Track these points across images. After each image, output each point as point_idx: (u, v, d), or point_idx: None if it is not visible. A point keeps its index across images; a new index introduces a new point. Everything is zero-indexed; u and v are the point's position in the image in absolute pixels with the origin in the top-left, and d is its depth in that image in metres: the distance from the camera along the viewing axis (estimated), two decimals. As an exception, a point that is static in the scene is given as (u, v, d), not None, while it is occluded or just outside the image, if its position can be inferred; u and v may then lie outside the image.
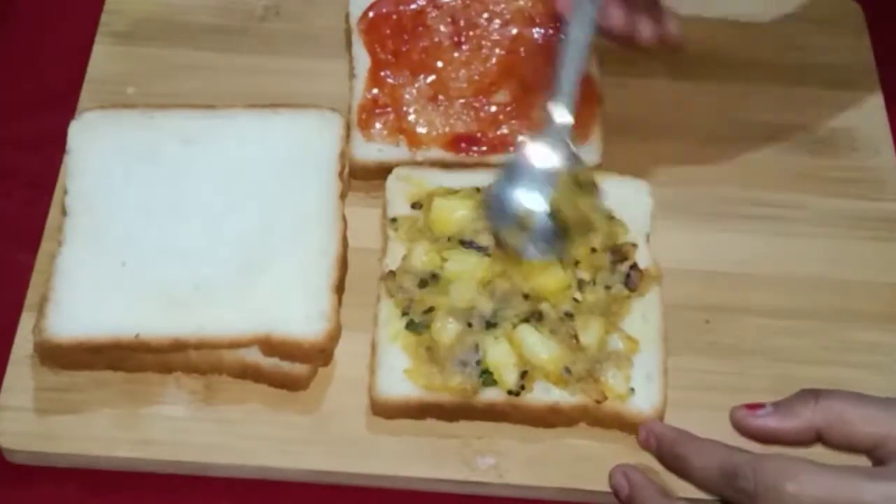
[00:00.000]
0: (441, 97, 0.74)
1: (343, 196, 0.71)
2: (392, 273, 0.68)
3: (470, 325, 0.66)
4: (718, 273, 0.71)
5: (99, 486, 0.65)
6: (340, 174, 0.71)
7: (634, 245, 0.69)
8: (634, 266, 0.68)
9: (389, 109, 0.74)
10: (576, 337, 0.65)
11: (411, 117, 0.74)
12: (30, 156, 0.76)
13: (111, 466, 0.65)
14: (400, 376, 0.65)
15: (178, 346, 0.65)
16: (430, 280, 0.67)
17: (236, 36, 0.81)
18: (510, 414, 0.65)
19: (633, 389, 0.65)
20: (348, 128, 0.73)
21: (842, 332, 0.70)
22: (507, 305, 0.66)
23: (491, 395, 0.65)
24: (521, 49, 0.76)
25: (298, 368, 0.66)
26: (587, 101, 0.72)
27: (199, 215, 0.69)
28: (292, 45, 0.81)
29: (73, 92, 0.77)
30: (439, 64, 0.76)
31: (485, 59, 0.76)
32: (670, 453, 0.61)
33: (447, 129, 0.74)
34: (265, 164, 0.71)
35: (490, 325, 0.66)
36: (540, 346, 0.65)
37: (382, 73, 0.75)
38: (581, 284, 0.67)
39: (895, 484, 0.56)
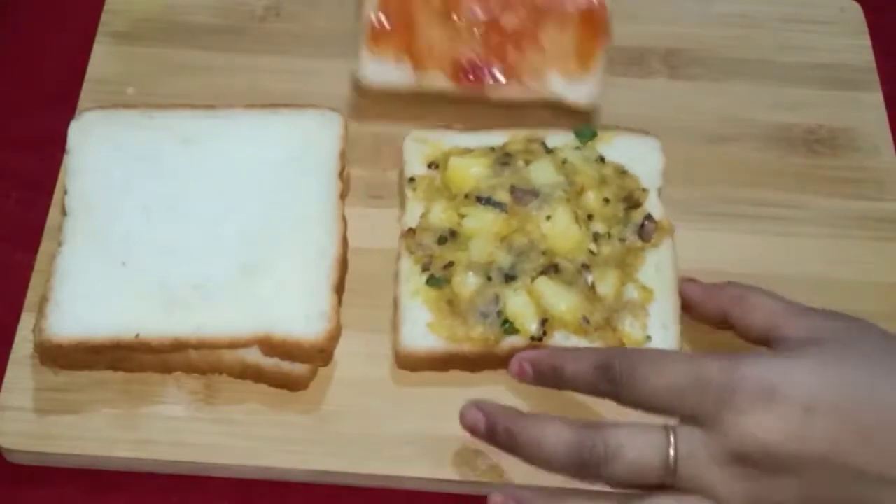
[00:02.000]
0: (454, 16, 0.74)
1: (343, 196, 0.71)
2: (412, 231, 0.70)
3: (489, 278, 0.67)
4: (718, 273, 0.70)
5: (99, 486, 0.65)
6: (340, 174, 0.71)
7: (645, 190, 0.71)
8: (649, 217, 0.70)
9: (397, 29, 0.74)
10: (593, 288, 0.67)
11: (419, 39, 0.74)
12: (30, 156, 0.76)
13: (111, 466, 0.65)
14: (423, 330, 0.67)
15: (178, 346, 0.65)
16: (448, 237, 0.69)
17: (236, 36, 0.81)
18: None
19: (649, 337, 0.67)
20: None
21: (842, 332, 0.70)
22: (524, 259, 0.68)
23: (513, 342, 0.66)
24: None
25: (298, 368, 0.66)
26: (594, 31, 0.72)
27: (199, 215, 0.69)
28: (292, 45, 0.81)
29: (73, 92, 0.77)
30: None
31: None
32: (548, 367, 0.63)
33: (454, 54, 0.74)
34: (265, 164, 0.71)
35: (509, 278, 0.67)
36: (558, 297, 0.66)
37: None
38: (596, 237, 0.69)
39: (741, 364, 0.58)
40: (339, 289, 0.67)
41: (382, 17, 0.74)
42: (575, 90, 0.75)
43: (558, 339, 0.66)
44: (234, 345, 0.65)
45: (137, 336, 0.64)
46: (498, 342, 0.66)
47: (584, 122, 0.74)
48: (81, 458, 0.65)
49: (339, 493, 0.65)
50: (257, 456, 0.65)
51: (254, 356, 0.66)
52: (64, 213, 0.69)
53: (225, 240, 0.68)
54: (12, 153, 0.77)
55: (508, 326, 0.66)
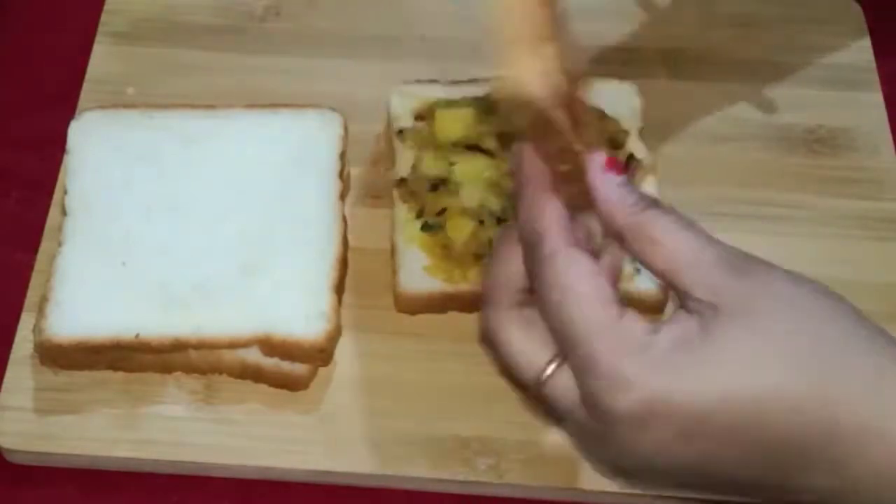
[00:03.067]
0: None
1: (343, 196, 0.71)
2: (404, 180, 0.71)
3: (482, 222, 0.69)
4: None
5: (99, 486, 0.65)
6: (340, 174, 0.71)
7: (626, 131, 0.73)
8: (631, 156, 0.72)
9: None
10: None
11: None
12: (30, 156, 0.76)
13: (111, 466, 0.65)
14: (420, 273, 0.68)
15: (178, 346, 0.65)
16: (440, 184, 0.71)
17: (236, 36, 0.81)
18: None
19: (638, 269, 0.68)
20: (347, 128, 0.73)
21: (842, 332, 0.70)
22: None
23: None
24: None
25: (298, 368, 0.66)
26: None
27: (199, 215, 0.69)
28: (292, 45, 0.81)
29: (73, 92, 0.77)
30: None
31: None
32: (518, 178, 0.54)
33: None
34: (265, 164, 0.71)
35: (500, 220, 0.69)
36: None
37: None
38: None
39: (624, 368, 0.49)
40: (339, 289, 0.67)
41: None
42: None
43: None
44: (234, 345, 0.65)
45: (137, 336, 0.64)
46: None
47: None
48: (81, 458, 0.65)
49: (339, 493, 0.65)
50: (257, 456, 0.65)
51: (254, 356, 0.66)
52: (64, 213, 0.69)
53: (225, 240, 0.68)
54: (12, 153, 0.77)
55: None
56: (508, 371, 0.54)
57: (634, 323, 0.51)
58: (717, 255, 0.52)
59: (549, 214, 0.52)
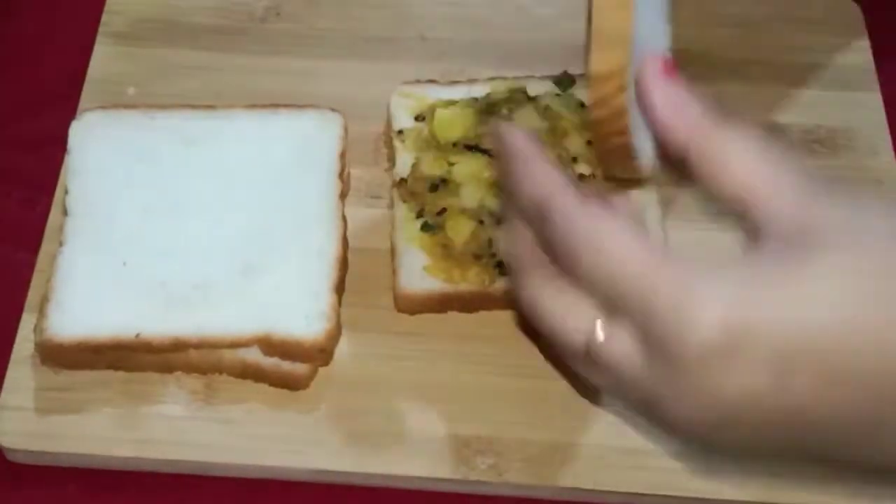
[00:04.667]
0: None
1: (343, 196, 0.71)
2: (404, 180, 0.72)
3: (481, 222, 0.69)
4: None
5: (99, 486, 0.65)
6: (340, 174, 0.71)
7: None
8: None
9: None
10: None
11: None
12: (30, 156, 0.77)
13: (111, 466, 0.65)
14: (420, 273, 0.68)
15: (179, 346, 0.65)
16: (440, 184, 0.71)
17: (236, 36, 0.81)
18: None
19: None
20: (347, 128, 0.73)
21: (841, 331, 0.70)
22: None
23: (507, 283, 0.67)
24: None
25: (299, 368, 0.66)
26: None
27: (199, 215, 0.69)
28: (292, 45, 0.81)
29: (74, 92, 0.77)
30: None
31: None
32: (503, 158, 0.50)
33: None
34: (265, 164, 0.71)
35: (500, 221, 0.68)
36: None
37: None
38: (581, 178, 0.71)
39: (695, 290, 0.42)
40: (339, 289, 0.68)
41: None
42: None
43: None
44: (234, 345, 0.65)
45: (138, 336, 0.64)
46: (493, 282, 0.68)
47: (562, 72, 0.76)
48: (82, 458, 0.65)
49: (339, 493, 0.65)
50: (257, 456, 0.65)
51: (254, 356, 0.66)
52: (65, 213, 0.69)
53: (225, 240, 0.68)
54: (13, 153, 0.77)
55: (502, 268, 0.68)
56: (556, 353, 0.48)
57: (687, 261, 0.43)
58: (798, 182, 0.44)
59: (547, 178, 0.47)
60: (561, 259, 0.46)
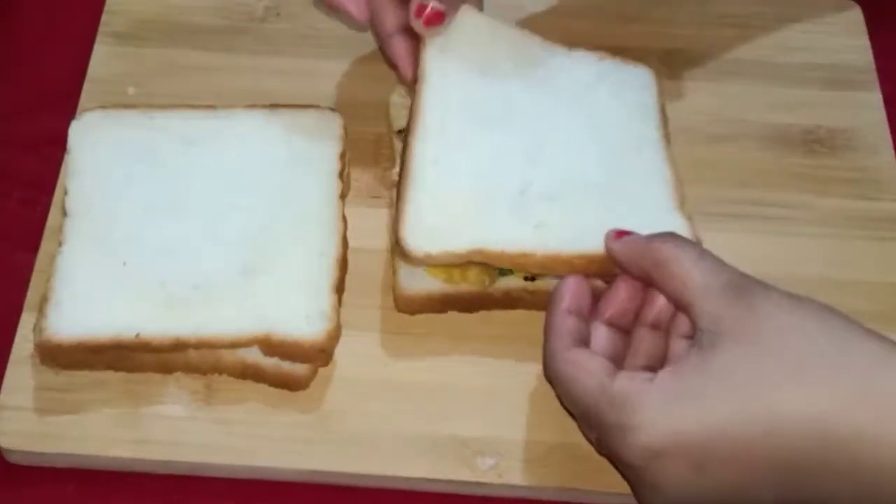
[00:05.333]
0: None
1: (343, 196, 0.71)
2: None
3: None
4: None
5: (99, 486, 0.65)
6: (340, 174, 0.71)
7: None
8: None
9: None
10: None
11: None
12: (30, 156, 0.77)
13: (111, 466, 0.65)
14: (420, 273, 0.68)
15: (179, 346, 0.65)
16: None
17: (236, 36, 0.81)
18: (525, 300, 0.69)
19: None
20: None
21: (841, 331, 0.70)
22: None
23: (507, 283, 0.68)
24: None
25: (298, 368, 0.66)
26: None
27: (199, 215, 0.69)
28: (292, 45, 0.81)
29: (73, 92, 0.78)
30: None
31: None
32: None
33: None
34: (265, 164, 0.71)
35: None
36: None
37: None
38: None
39: (637, 409, 0.56)
40: (339, 289, 0.68)
41: None
42: None
43: (549, 277, 0.68)
44: (234, 345, 0.65)
45: (137, 336, 0.64)
46: (493, 282, 0.68)
47: None
48: (81, 458, 0.65)
49: (339, 493, 0.65)
50: (257, 456, 0.65)
51: (254, 356, 0.66)
52: (64, 213, 0.69)
53: (225, 240, 0.68)
54: (13, 153, 0.77)
55: (502, 269, 0.68)
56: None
57: (629, 381, 0.57)
58: (722, 283, 0.57)
59: (553, 322, 0.62)
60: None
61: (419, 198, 0.68)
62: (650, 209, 0.69)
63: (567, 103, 0.73)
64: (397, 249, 0.67)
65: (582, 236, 0.66)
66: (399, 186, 0.69)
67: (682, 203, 0.70)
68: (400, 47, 0.73)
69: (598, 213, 0.67)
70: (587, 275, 0.65)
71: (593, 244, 0.66)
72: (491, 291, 0.68)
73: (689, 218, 0.69)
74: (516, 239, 0.67)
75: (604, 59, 0.75)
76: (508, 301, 0.69)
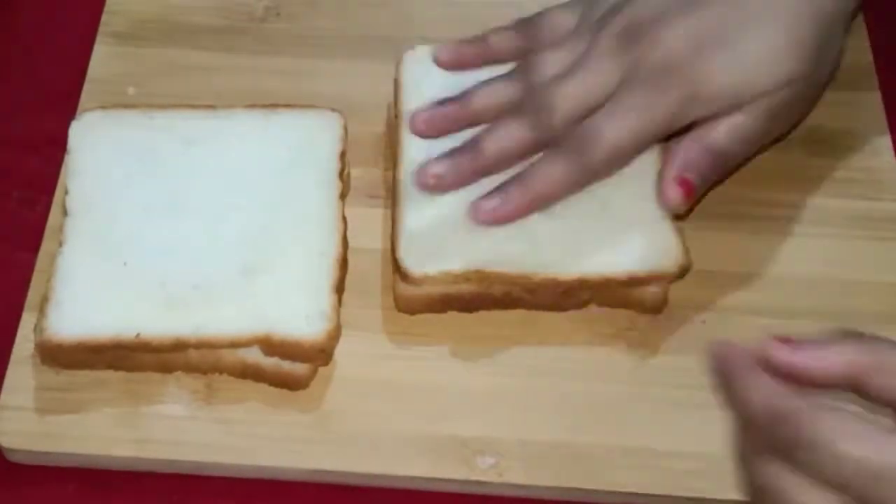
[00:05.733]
0: None
1: (343, 196, 0.71)
2: None
3: None
4: (718, 273, 0.71)
5: (99, 486, 0.65)
6: (340, 174, 0.71)
7: None
8: None
9: None
10: None
11: None
12: (30, 156, 0.77)
13: (112, 466, 0.65)
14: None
15: (179, 346, 0.65)
16: None
17: (236, 36, 0.81)
18: (525, 300, 0.68)
19: None
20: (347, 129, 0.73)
21: (842, 332, 0.70)
22: None
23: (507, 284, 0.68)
24: None
25: (299, 368, 0.66)
26: None
27: (199, 215, 0.69)
28: (292, 45, 0.81)
29: (74, 92, 0.77)
30: None
31: None
32: (721, 372, 0.54)
33: None
34: (265, 164, 0.71)
35: None
36: None
37: None
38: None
39: None
40: (339, 289, 0.68)
41: None
42: None
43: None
44: (234, 345, 0.65)
45: (138, 336, 0.64)
46: (492, 283, 0.68)
47: None
48: (82, 458, 0.65)
49: (339, 493, 0.65)
50: (257, 455, 0.65)
51: (254, 356, 0.66)
52: (65, 213, 0.69)
53: (225, 240, 0.68)
54: (13, 153, 0.77)
55: None
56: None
57: None
58: None
59: (770, 387, 0.52)
60: (803, 456, 0.50)
61: (413, 219, 0.68)
62: (636, 228, 0.69)
63: None
64: (396, 268, 0.68)
65: (578, 255, 0.67)
66: (393, 202, 0.70)
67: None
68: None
69: (592, 227, 0.68)
70: None
71: (589, 264, 0.67)
72: (491, 291, 0.68)
73: (680, 232, 0.69)
74: (513, 258, 0.67)
75: None
76: (509, 301, 0.69)
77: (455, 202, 0.69)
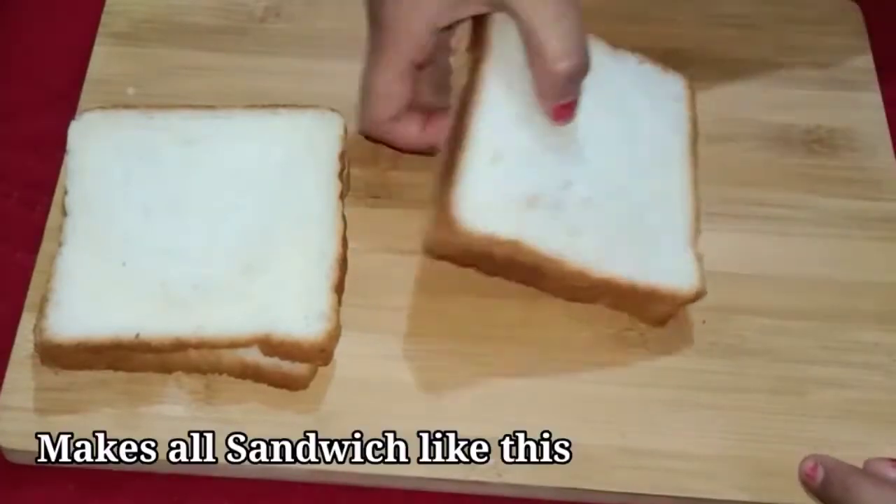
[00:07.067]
0: None
1: (343, 196, 0.71)
2: None
3: None
4: (718, 273, 0.71)
5: (99, 486, 0.65)
6: (340, 174, 0.71)
7: None
8: None
9: None
10: None
11: None
12: (30, 156, 0.77)
13: (111, 466, 0.65)
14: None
15: (179, 346, 0.65)
16: None
17: (236, 36, 0.81)
18: (545, 282, 0.68)
19: None
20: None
21: (842, 332, 0.70)
22: None
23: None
24: None
25: (298, 368, 0.66)
26: None
27: (199, 215, 0.69)
28: (292, 45, 0.81)
29: (73, 92, 0.78)
30: None
31: None
32: (841, 484, 0.62)
33: None
34: (265, 164, 0.71)
35: None
36: None
37: None
38: None
39: None
40: (339, 289, 0.68)
41: None
42: None
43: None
44: (234, 345, 0.65)
45: (137, 336, 0.64)
46: (527, 259, 0.66)
47: None
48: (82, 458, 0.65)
49: (339, 493, 0.65)
50: (257, 455, 0.65)
51: (254, 356, 0.66)
52: (64, 213, 0.69)
53: (225, 240, 0.68)
54: (13, 153, 0.77)
55: None
56: None
57: None
58: None
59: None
60: None
61: (478, 175, 0.66)
62: (664, 245, 0.69)
63: (605, 106, 0.71)
64: (441, 212, 0.65)
65: (612, 256, 0.66)
66: (451, 150, 0.67)
67: (696, 238, 0.70)
68: (411, 124, 0.72)
69: (628, 235, 0.68)
70: None
71: (619, 267, 0.66)
72: (522, 260, 0.66)
73: (700, 259, 0.69)
74: (554, 242, 0.66)
75: (643, 62, 0.75)
76: (531, 278, 0.68)
77: (521, 170, 0.67)
